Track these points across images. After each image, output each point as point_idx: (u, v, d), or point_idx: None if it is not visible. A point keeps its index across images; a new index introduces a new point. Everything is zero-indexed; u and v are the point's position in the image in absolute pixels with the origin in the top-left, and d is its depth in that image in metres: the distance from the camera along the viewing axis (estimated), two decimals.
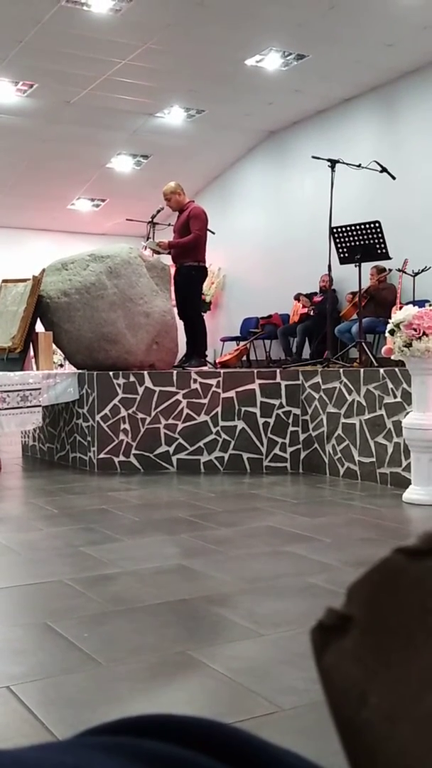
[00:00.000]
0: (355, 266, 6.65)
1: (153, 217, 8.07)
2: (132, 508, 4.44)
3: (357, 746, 0.33)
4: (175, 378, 6.00)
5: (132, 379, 5.99)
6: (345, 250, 6.66)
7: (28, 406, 6.01)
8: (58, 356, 8.78)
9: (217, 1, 7.74)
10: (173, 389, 5.96)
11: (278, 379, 5.90)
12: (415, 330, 4.26)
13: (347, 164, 6.96)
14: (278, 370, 6.04)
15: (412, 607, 0.33)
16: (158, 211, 7.96)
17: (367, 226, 6.56)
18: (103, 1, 7.75)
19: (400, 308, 4.60)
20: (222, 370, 6.45)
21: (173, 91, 10.14)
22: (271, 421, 5.87)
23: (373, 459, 5.27)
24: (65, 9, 7.81)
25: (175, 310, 7.18)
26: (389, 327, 4.40)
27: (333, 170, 6.78)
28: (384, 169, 7.06)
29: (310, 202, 10.53)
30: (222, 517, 4.16)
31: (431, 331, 4.25)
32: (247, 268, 12.52)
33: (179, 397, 5.95)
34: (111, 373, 6.05)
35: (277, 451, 5.86)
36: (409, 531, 3.87)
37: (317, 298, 10.13)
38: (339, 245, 6.66)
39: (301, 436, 5.86)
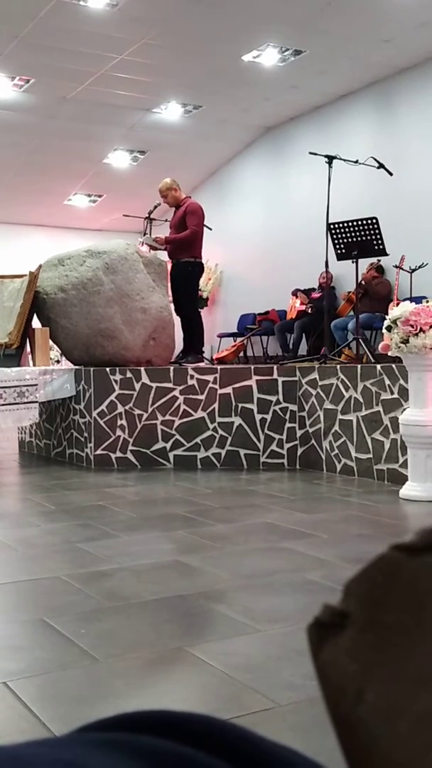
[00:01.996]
0: (352, 262, 6.66)
1: (150, 213, 8.07)
2: (129, 504, 4.44)
3: (353, 742, 0.33)
4: (172, 374, 6.00)
5: (129, 375, 5.99)
6: (342, 246, 6.66)
7: (24, 402, 6.01)
8: (55, 352, 8.77)
9: None
10: (170, 385, 5.96)
11: (275, 376, 5.90)
12: (412, 326, 4.26)
13: (344, 160, 6.95)
14: (275, 367, 6.04)
15: (409, 603, 0.33)
16: (155, 207, 7.96)
17: (365, 222, 6.56)
18: None
19: (397, 305, 4.60)
20: (219, 366, 6.45)
21: (170, 87, 10.12)
22: (268, 417, 5.87)
23: (370, 455, 5.27)
24: (62, 4, 7.79)
25: (172, 306, 7.17)
26: (386, 323, 4.41)
27: (330, 166, 6.78)
28: (381, 165, 7.06)
29: (307, 198, 10.52)
30: (219, 513, 4.16)
31: (428, 327, 4.25)
32: (245, 264, 12.51)
33: (176, 393, 5.95)
34: (108, 369, 6.04)
35: (274, 447, 5.86)
36: (406, 527, 3.87)
37: (315, 295, 10.13)
38: (336, 241, 6.66)
39: (298, 433, 5.86)
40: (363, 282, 9.07)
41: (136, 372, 6.01)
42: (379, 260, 9.00)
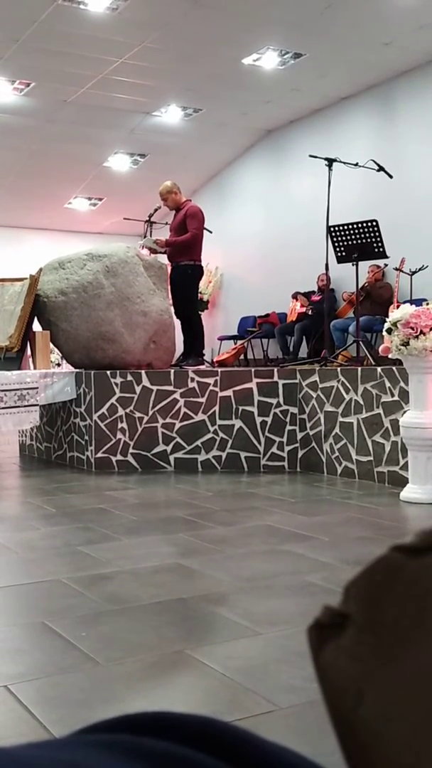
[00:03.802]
0: (353, 265, 6.66)
1: (150, 216, 8.07)
2: (129, 507, 4.44)
3: (354, 744, 0.33)
4: (172, 377, 6.00)
5: (129, 378, 5.99)
6: (342, 248, 6.67)
7: (25, 406, 6.01)
8: (56, 355, 8.77)
9: (214, 0, 7.73)
10: (171, 388, 5.96)
11: (276, 378, 5.90)
12: (412, 329, 4.26)
13: (344, 163, 6.96)
14: (276, 369, 6.04)
15: (410, 605, 0.33)
16: (155, 210, 7.96)
17: (365, 224, 6.56)
18: (100, 0, 7.74)
19: (398, 307, 4.60)
20: (219, 369, 6.45)
21: (170, 90, 10.13)
22: (269, 419, 5.87)
23: (371, 458, 5.27)
24: (62, 8, 7.80)
25: (172, 309, 7.17)
26: (386, 326, 4.41)
27: (330, 169, 6.78)
28: (381, 168, 7.06)
29: (308, 201, 10.53)
30: (219, 516, 4.16)
31: (428, 329, 4.25)
32: (245, 267, 12.52)
33: (177, 396, 5.95)
34: (108, 372, 6.04)
35: (274, 449, 5.86)
36: (407, 529, 3.87)
37: (315, 297, 10.14)
38: (336, 244, 6.66)
39: (299, 435, 5.86)
40: (367, 285, 9.08)
41: (136, 375, 6.01)
42: (386, 264, 9.01)
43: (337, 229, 6.63)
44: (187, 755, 0.35)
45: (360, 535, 3.70)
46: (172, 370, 6.18)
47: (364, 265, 8.64)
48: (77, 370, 6.39)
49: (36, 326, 6.62)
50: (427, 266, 8.88)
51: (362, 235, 6.57)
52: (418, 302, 6.04)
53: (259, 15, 8.05)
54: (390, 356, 4.48)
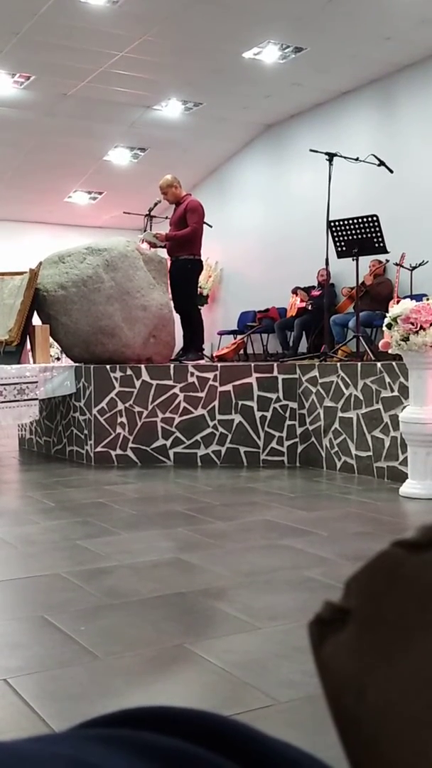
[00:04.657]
0: (353, 260, 6.65)
1: (150, 210, 8.06)
2: (129, 501, 4.44)
3: (355, 739, 0.33)
4: (172, 371, 6.00)
5: (129, 372, 5.99)
6: (342, 243, 6.65)
7: (24, 400, 6.01)
8: (55, 349, 8.77)
9: None
10: (170, 383, 5.96)
11: (275, 373, 5.90)
12: (412, 324, 4.25)
13: (345, 158, 6.94)
14: (275, 364, 6.04)
15: (411, 600, 0.33)
16: (155, 204, 7.95)
17: (365, 219, 6.55)
18: None
19: (398, 302, 4.60)
20: (219, 364, 6.45)
21: (170, 84, 10.10)
22: (268, 414, 5.87)
23: (370, 453, 5.27)
24: (62, 1, 7.78)
25: (172, 303, 7.17)
26: (386, 321, 4.40)
27: (331, 164, 6.77)
28: (381, 163, 7.04)
29: (308, 196, 10.52)
30: (219, 510, 4.16)
31: (428, 325, 4.25)
32: (245, 261, 12.50)
33: (176, 390, 5.95)
34: (108, 366, 6.04)
35: (274, 444, 5.86)
36: (406, 525, 3.87)
37: (315, 292, 10.13)
38: (336, 239, 6.65)
39: (298, 430, 5.86)
40: (365, 284, 9.07)
41: (136, 369, 6.01)
42: (387, 260, 8.99)
43: (337, 224, 6.61)
44: (187, 750, 0.35)
45: (359, 530, 3.71)
46: (172, 365, 6.17)
47: (365, 261, 8.62)
48: (77, 364, 6.39)
49: (36, 320, 6.61)
50: (427, 261, 8.88)
51: (362, 230, 6.56)
52: (418, 297, 6.04)
53: (260, 9, 8.03)
54: (390, 351, 4.48)
